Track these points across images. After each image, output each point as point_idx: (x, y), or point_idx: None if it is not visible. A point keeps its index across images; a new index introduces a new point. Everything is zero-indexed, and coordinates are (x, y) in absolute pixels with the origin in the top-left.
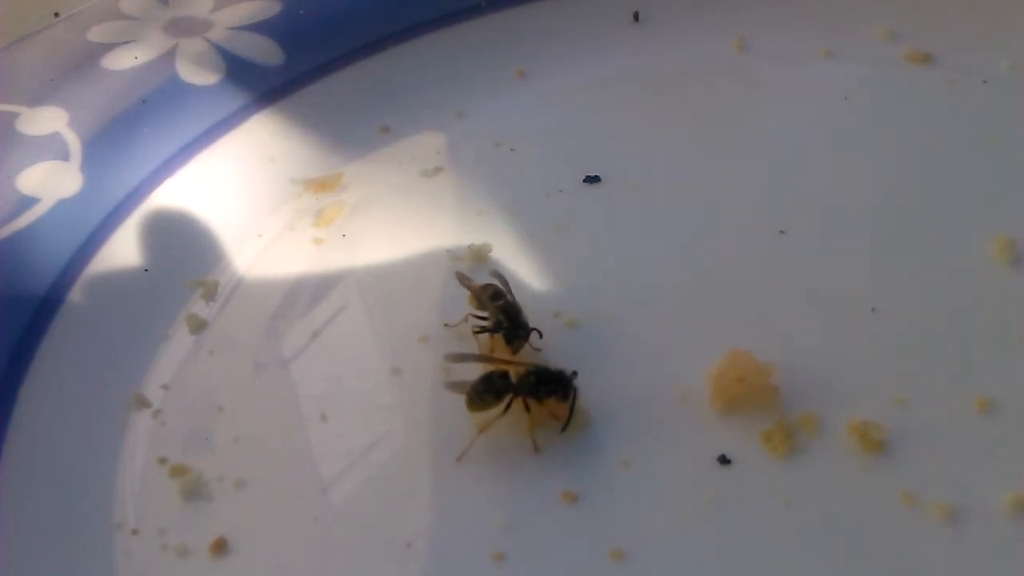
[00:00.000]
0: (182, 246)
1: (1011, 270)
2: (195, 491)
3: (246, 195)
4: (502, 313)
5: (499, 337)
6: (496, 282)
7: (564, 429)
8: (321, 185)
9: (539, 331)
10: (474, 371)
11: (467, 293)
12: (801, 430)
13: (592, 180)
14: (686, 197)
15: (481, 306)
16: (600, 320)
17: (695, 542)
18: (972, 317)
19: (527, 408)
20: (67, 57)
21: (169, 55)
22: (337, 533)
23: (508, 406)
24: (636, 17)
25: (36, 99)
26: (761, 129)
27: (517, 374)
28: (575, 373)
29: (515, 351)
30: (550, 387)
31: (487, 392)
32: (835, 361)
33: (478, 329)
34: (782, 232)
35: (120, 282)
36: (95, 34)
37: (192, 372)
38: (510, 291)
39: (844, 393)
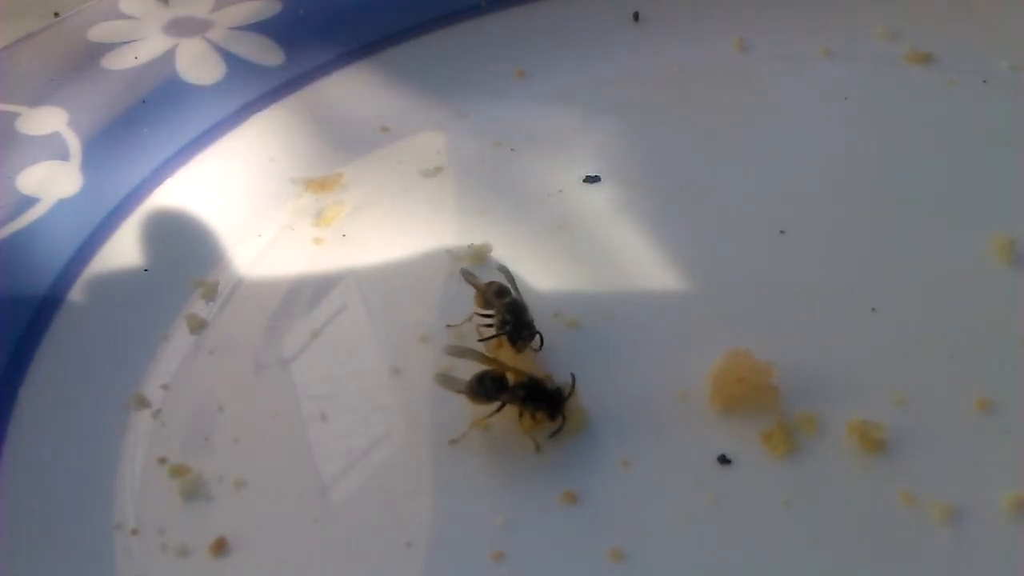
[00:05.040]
0: (182, 246)
1: (1011, 270)
2: (195, 491)
3: (246, 195)
4: (508, 311)
5: (505, 335)
6: (502, 277)
7: (552, 435)
8: (321, 185)
9: (541, 336)
10: (472, 368)
11: (469, 292)
12: (801, 430)
13: (592, 180)
14: (686, 197)
15: (486, 304)
16: (600, 320)
17: (695, 542)
18: (972, 317)
19: (520, 414)
20: (67, 57)
21: (169, 55)
22: (337, 533)
23: (501, 407)
24: (636, 17)
25: (36, 99)
26: (761, 129)
27: (516, 379)
28: (574, 381)
29: (519, 351)
30: (538, 404)
31: (479, 392)
32: (835, 361)
33: (484, 326)
34: (782, 232)
35: (120, 282)
36: (95, 34)
37: (192, 372)
38: (515, 287)
39: (844, 393)
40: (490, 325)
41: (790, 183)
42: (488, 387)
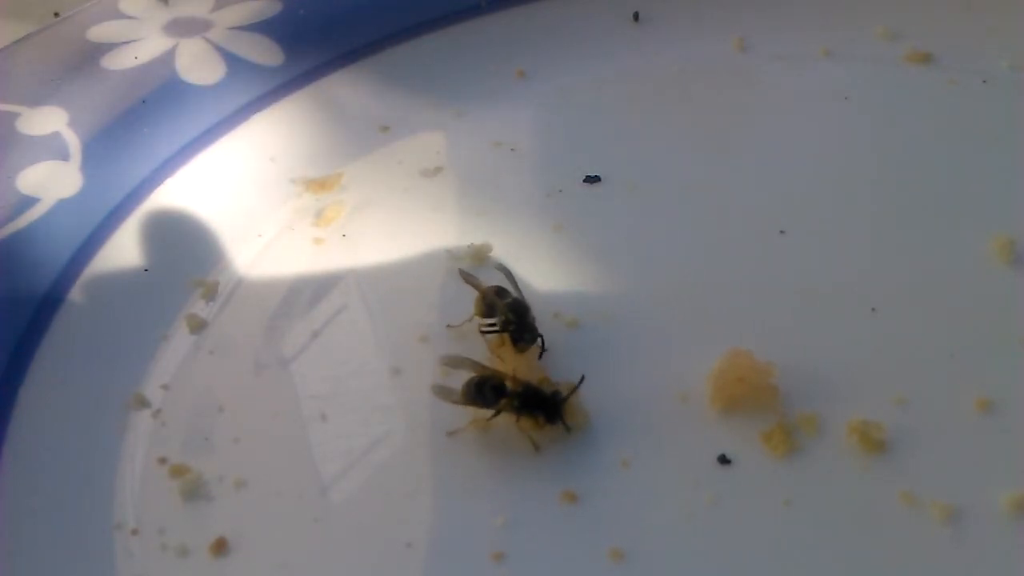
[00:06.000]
0: (182, 246)
1: (1011, 270)
2: (195, 491)
3: (246, 195)
4: (510, 311)
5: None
6: (502, 276)
7: (569, 431)
8: (321, 185)
9: (543, 338)
10: (469, 374)
11: (469, 293)
12: (801, 430)
13: (592, 180)
14: (686, 197)
15: (488, 305)
16: (600, 320)
17: (695, 542)
18: (972, 317)
19: (517, 419)
20: (67, 57)
21: (169, 55)
22: (337, 533)
23: (498, 412)
24: (636, 17)
25: (36, 99)
26: (761, 129)
27: (512, 386)
28: (581, 381)
29: (521, 351)
30: (534, 412)
31: (477, 400)
32: (835, 361)
33: (486, 328)
34: (782, 232)
35: (120, 282)
36: (95, 34)
37: (192, 372)
38: (516, 287)
39: (844, 393)
40: (492, 326)
41: (790, 183)
42: (487, 395)
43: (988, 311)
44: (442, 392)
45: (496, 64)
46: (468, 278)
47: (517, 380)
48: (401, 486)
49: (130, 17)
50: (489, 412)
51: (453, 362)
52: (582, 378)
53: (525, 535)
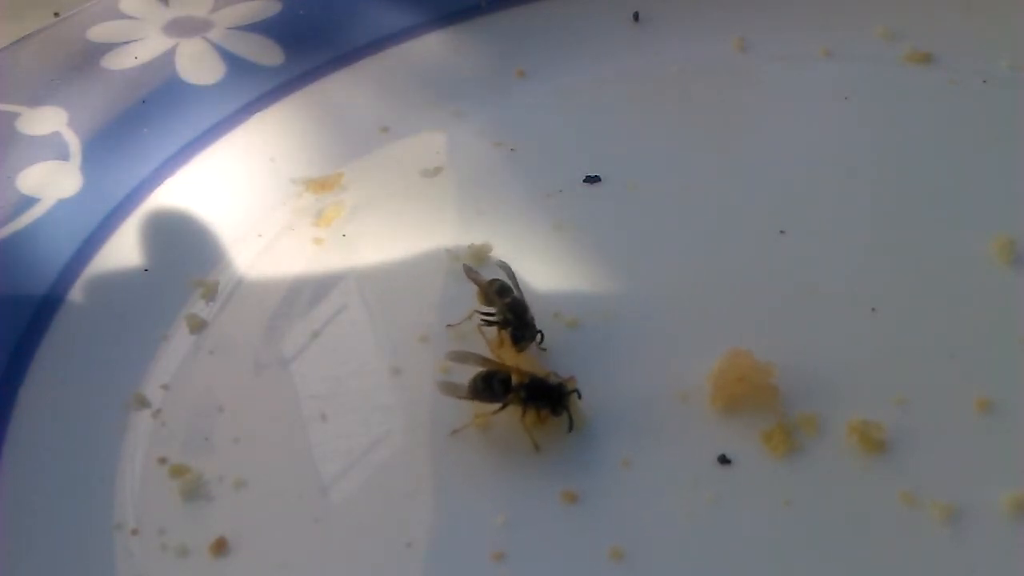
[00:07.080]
0: (182, 246)
1: (1011, 270)
2: (195, 491)
3: (246, 195)
4: (509, 310)
5: (507, 332)
6: (503, 274)
7: (570, 429)
8: (321, 185)
9: (542, 334)
10: (473, 372)
11: (469, 293)
12: (801, 430)
13: (592, 180)
14: (686, 197)
15: (488, 302)
16: (600, 320)
17: (695, 542)
18: (972, 317)
19: (523, 412)
20: (67, 57)
21: (169, 55)
22: (337, 533)
23: (505, 406)
24: (636, 17)
25: (36, 99)
26: (761, 129)
27: (518, 378)
28: (579, 394)
29: (520, 350)
30: (540, 403)
31: (485, 393)
32: (835, 361)
33: (485, 323)
34: (782, 232)
35: (120, 282)
36: (95, 34)
37: (192, 372)
38: (517, 285)
39: (844, 393)
40: (491, 323)
41: (790, 183)
42: (496, 388)
43: (988, 311)
44: (448, 387)
45: (496, 64)
46: (471, 274)
47: (523, 373)
48: (401, 486)
49: (130, 17)
50: (493, 407)
51: (458, 357)
52: (578, 394)
53: (525, 535)
